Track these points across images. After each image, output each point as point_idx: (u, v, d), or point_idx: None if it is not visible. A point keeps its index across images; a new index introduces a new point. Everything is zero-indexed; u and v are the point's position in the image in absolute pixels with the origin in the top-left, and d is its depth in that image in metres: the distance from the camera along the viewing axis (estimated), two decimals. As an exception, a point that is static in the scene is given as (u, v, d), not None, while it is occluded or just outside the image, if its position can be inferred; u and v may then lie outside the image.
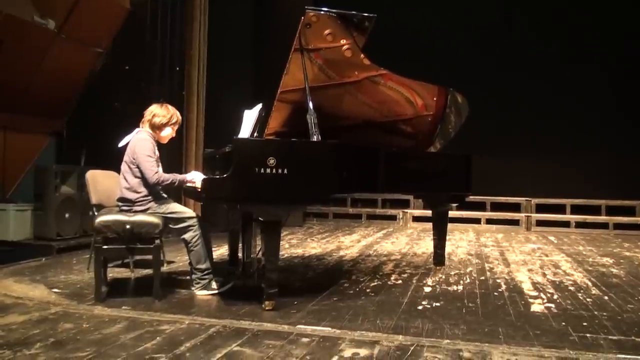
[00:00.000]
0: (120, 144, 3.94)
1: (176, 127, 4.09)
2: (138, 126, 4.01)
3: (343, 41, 4.04)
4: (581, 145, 8.82)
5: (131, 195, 3.82)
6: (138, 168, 3.80)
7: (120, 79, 6.70)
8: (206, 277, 3.92)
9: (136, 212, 3.80)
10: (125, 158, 3.87)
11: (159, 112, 3.96)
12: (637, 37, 8.79)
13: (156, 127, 3.97)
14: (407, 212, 9.29)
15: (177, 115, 4.04)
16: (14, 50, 5.57)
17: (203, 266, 3.89)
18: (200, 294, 3.90)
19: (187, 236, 3.85)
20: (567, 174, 8.85)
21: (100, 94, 6.70)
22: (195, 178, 3.77)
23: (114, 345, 2.81)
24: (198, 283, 3.92)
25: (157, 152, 3.90)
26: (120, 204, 3.87)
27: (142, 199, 3.83)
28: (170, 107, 4.04)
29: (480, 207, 9.17)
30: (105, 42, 6.65)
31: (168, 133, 4.05)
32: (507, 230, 8.62)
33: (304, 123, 3.74)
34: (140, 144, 3.82)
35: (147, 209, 3.83)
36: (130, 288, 4.17)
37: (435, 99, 4.67)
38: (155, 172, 3.76)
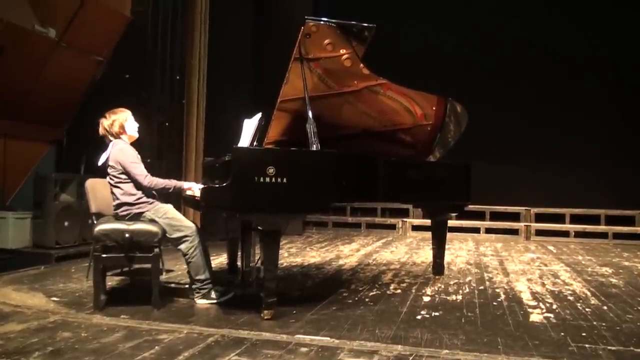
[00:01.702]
0: (100, 162, 3.95)
1: (131, 117, 4.06)
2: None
3: (343, 51, 4.06)
4: (581, 154, 8.82)
5: (129, 199, 3.83)
6: (127, 175, 3.81)
7: (121, 87, 6.70)
8: (206, 286, 3.91)
9: (135, 215, 3.81)
10: (110, 171, 3.86)
11: (108, 121, 3.97)
12: (637, 47, 8.82)
13: (120, 133, 3.97)
14: (406, 221, 9.28)
15: (123, 110, 4.03)
16: (15, 58, 5.60)
17: (202, 277, 3.89)
18: (200, 302, 3.89)
19: (182, 247, 3.84)
20: (567, 183, 8.85)
21: (101, 102, 6.65)
22: (193, 187, 3.78)
23: (112, 354, 2.81)
24: (198, 292, 3.91)
25: (139, 156, 3.92)
26: (118, 210, 3.86)
27: (140, 200, 3.85)
28: (114, 111, 4.03)
29: (480, 216, 9.16)
30: (106, 50, 6.67)
31: (133, 128, 4.05)
32: (506, 239, 8.61)
33: (303, 132, 3.75)
34: (121, 154, 3.84)
35: (146, 211, 3.84)
36: (129, 297, 4.16)
37: (434, 108, 4.69)
38: (145, 175, 3.79)
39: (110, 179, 3.88)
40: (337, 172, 3.63)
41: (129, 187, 3.84)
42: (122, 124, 3.98)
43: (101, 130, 3.99)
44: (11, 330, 3.21)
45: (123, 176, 3.83)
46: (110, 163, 3.86)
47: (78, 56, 6.32)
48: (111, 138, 3.97)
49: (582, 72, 8.86)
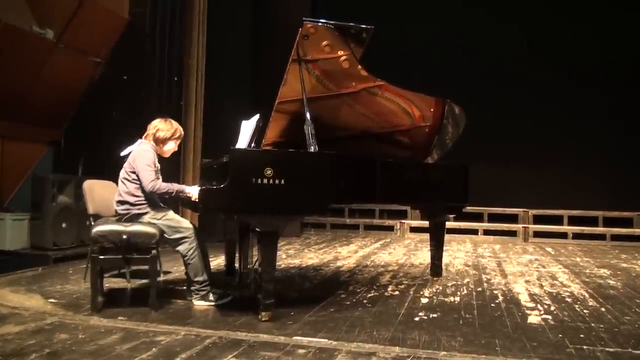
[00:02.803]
0: (123, 153, 3.99)
1: (179, 142, 4.14)
2: (136, 136, 4.04)
3: (341, 52, 4.06)
4: (579, 156, 8.84)
5: (131, 199, 3.84)
6: (137, 176, 3.81)
7: (119, 88, 6.70)
8: (204, 288, 3.91)
9: (134, 215, 3.82)
10: (125, 165, 3.91)
11: (162, 126, 4.00)
12: (634, 48, 8.83)
13: (160, 141, 4.01)
14: (404, 223, 9.29)
15: (180, 130, 4.10)
16: (13, 60, 5.59)
17: (201, 278, 3.88)
18: (198, 304, 3.89)
19: (181, 248, 3.84)
20: (565, 185, 8.86)
21: (99, 103, 6.71)
22: (193, 191, 3.78)
23: (109, 356, 2.80)
24: (197, 294, 3.91)
25: (157, 164, 3.93)
26: (118, 208, 3.87)
27: (141, 202, 3.85)
28: (173, 121, 4.09)
29: (478, 218, 9.16)
30: (104, 51, 6.67)
31: (171, 147, 4.09)
32: (504, 241, 8.61)
33: (301, 134, 3.75)
34: (141, 154, 3.85)
35: (146, 213, 3.84)
36: (127, 298, 4.16)
37: (432, 110, 4.69)
38: (151, 180, 3.78)
39: (122, 172, 3.91)
40: (335, 174, 3.63)
41: (134, 187, 3.85)
42: (167, 137, 4.01)
43: (151, 127, 4.01)
44: (8, 332, 3.20)
45: (133, 175, 3.85)
46: (129, 159, 3.90)
47: (76, 57, 6.32)
48: (148, 138, 3.99)
49: (580, 74, 8.88)
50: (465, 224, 8.93)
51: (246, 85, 9.06)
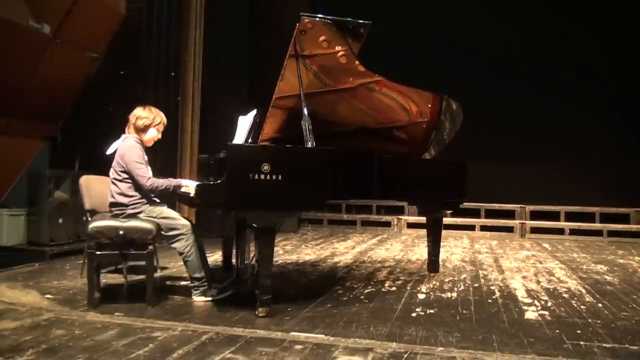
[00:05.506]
0: (109, 151, 3.92)
1: (161, 129, 4.05)
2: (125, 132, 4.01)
3: (338, 48, 4.04)
4: (576, 152, 8.83)
5: (124, 200, 3.81)
6: (129, 174, 3.78)
7: (116, 83, 6.68)
8: (204, 284, 3.91)
9: (129, 215, 3.79)
10: (114, 165, 3.85)
11: (142, 114, 3.94)
12: (632, 45, 8.83)
13: (140, 130, 3.95)
14: (401, 219, 9.28)
15: (160, 117, 4.01)
16: (9, 55, 5.55)
17: (199, 275, 3.88)
18: (198, 299, 3.89)
19: (177, 245, 3.82)
20: (562, 181, 8.86)
21: (95, 98, 6.68)
22: (190, 185, 3.77)
23: (106, 352, 2.80)
24: (196, 289, 3.91)
25: (145, 157, 3.90)
26: (112, 209, 3.85)
27: (135, 201, 3.82)
28: (153, 108, 4.01)
29: (475, 213, 9.16)
30: (101, 46, 6.64)
31: (152, 135, 4.01)
32: (501, 237, 8.61)
33: (298, 129, 3.74)
34: (128, 152, 3.80)
35: (141, 212, 3.82)
36: (123, 294, 4.16)
37: (429, 105, 4.68)
38: (148, 178, 3.76)
39: (112, 172, 3.86)
40: (332, 169, 3.62)
41: (126, 187, 3.81)
42: (146, 125, 3.94)
43: (131, 117, 3.95)
44: (5, 328, 3.19)
45: (124, 174, 3.80)
46: (116, 157, 3.84)
47: (73, 52, 6.28)
48: (129, 129, 3.94)
49: (578, 70, 8.86)
50: (462, 219, 8.93)
51: (243, 81, 9.03)
